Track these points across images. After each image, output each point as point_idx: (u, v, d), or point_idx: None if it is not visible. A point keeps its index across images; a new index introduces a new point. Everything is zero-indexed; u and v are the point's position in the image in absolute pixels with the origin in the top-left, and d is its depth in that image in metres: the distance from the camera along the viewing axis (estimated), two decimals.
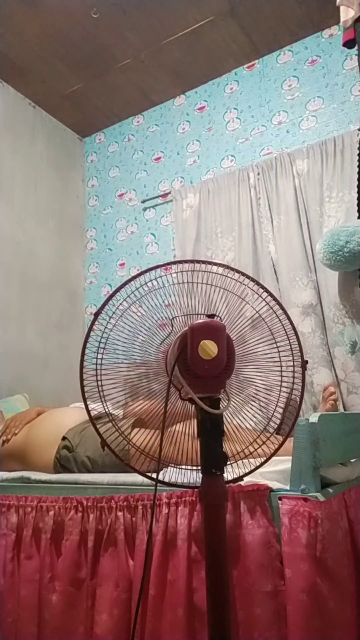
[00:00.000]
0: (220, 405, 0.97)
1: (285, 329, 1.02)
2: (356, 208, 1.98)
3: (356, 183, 1.95)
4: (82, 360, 1.02)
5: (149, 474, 1.06)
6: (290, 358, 1.02)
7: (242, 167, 2.53)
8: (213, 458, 0.95)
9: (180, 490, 1.13)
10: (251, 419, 1.06)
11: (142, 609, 1.10)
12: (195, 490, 1.09)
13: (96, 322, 1.01)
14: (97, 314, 1.01)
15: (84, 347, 1.02)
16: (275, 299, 1.04)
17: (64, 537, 1.30)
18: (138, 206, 2.97)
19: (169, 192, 2.77)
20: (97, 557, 1.24)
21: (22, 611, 1.32)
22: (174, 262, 1.08)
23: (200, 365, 0.92)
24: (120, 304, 1.03)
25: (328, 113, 2.41)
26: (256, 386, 1.06)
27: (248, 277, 1.05)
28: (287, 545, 0.99)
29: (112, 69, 2.71)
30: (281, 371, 1.03)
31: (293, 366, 1.02)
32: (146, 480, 1.08)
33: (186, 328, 0.95)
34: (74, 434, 1.59)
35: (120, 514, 1.23)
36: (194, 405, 0.97)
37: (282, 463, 1.13)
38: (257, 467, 1.04)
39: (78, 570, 1.26)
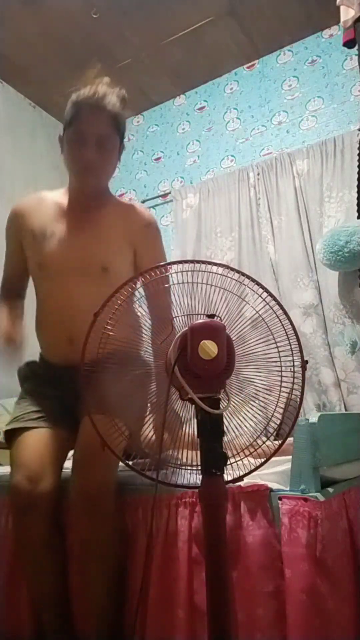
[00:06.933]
0: (220, 405, 0.97)
1: (285, 329, 1.02)
2: (356, 208, 1.98)
3: (356, 183, 1.95)
4: (82, 360, 1.02)
5: (149, 475, 1.05)
6: (290, 358, 1.02)
7: (242, 167, 2.53)
8: (213, 458, 0.95)
9: (180, 491, 1.13)
10: (251, 419, 1.06)
11: (142, 610, 1.10)
12: (195, 491, 1.09)
13: (96, 322, 1.01)
14: (97, 314, 1.01)
15: (84, 347, 1.02)
16: (275, 299, 1.04)
17: None
18: None
19: (169, 192, 2.77)
20: None
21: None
22: (174, 262, 1.08)
23: (200, 365, 0.91)
24: (120, 304, 1.02)
25: (328, 113, 2.41)
26: (256, 386, 1.06)
27: (248, 277, 1.05)
28: (287, 545, 0.99)
29: (112, 69, 2.70)
30: (281, 371, 1.03)
31: (293, 366, 1.01)
32: (146, 481, 1.07)
33: (186, 328, 0.95)
34: None
35: None
36: (193, 406, 0.97)
37: (281, 465, 1.13)
38: (256, 467, 1.04)
39: None
